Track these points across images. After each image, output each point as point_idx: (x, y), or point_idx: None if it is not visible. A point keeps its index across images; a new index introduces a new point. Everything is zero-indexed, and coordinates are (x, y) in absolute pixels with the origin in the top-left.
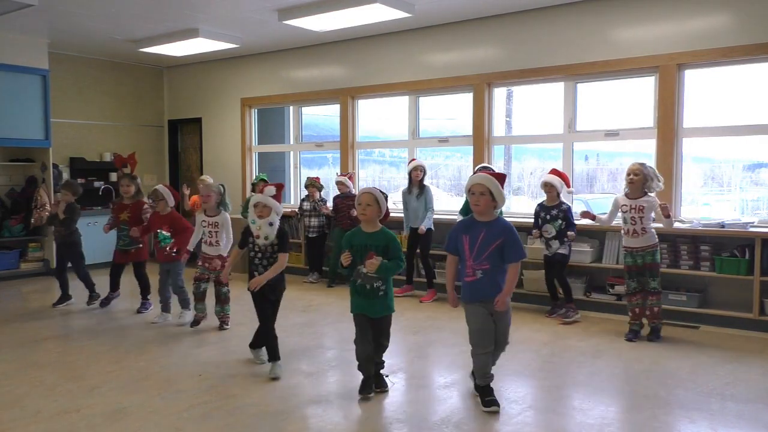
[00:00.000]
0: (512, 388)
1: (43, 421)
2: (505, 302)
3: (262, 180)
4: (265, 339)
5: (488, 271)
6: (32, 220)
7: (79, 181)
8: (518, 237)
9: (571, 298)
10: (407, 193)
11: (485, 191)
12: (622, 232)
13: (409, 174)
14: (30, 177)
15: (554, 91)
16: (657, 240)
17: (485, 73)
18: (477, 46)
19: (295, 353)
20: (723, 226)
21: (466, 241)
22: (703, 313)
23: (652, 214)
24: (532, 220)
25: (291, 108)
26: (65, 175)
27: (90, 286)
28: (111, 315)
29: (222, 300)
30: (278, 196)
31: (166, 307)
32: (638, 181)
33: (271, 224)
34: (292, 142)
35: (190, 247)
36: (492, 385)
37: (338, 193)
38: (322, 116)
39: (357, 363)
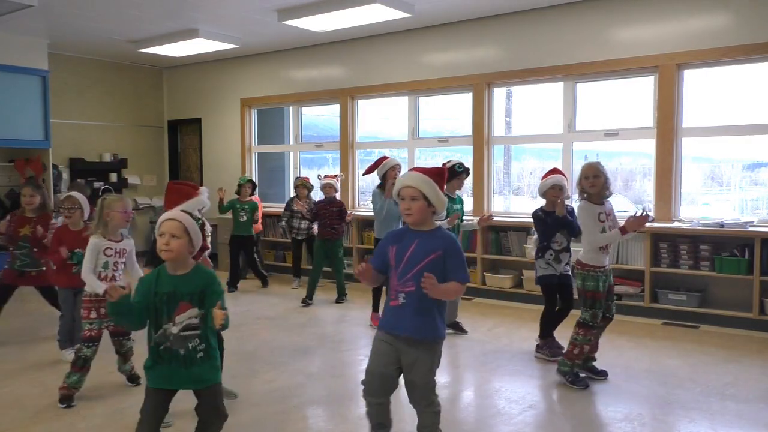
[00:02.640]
0: (512, 388)
1: (43, 421)
2: (435, 285)
3: (250, 181)
4: None
5: (413, 295)
6: None
7: (79, 182)
8: (462, 253)
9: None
10: (382, 197)
11: (417, 195)
12: (599, 249)
13: (385, 174)
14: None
15: (554, 91)
16: None
17: (485, 73)
18: (477, 46)
19: (296, 353)
20: (723, 226)
21: (392, 254)
22: (703, 312)
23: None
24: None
25: (291, 108)
26: (65, 176)
27: None
28: None
29: (128, 355)
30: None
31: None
32: (600, 183)
33: None
34: (291, 143)
35: (93, 287)
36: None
37: (324, 197)
38: (322, 116)
39: None
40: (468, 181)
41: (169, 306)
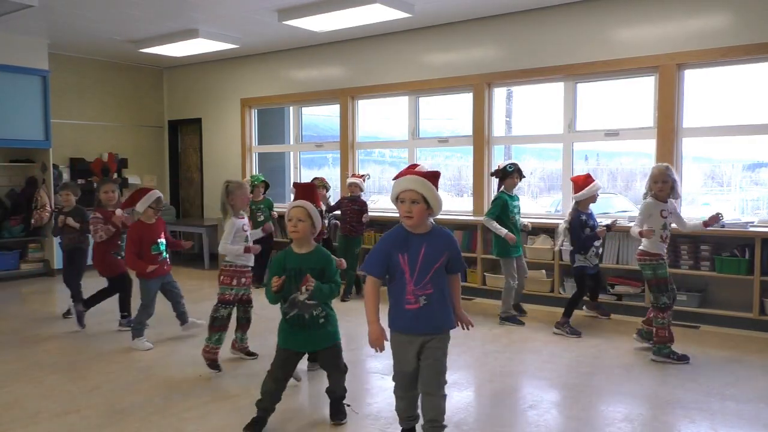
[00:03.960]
0: (512, 388)
1: (43, 421)
2: (463, 316)
3: (263, 182)
4: None
5: (433, 295)
6: (32, 221)
7: (79, 182)
8: (459, 245)
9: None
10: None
11: (418, 198)
12: (660, 239)
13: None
14: (30, 178)
15: (554, 91)
16: None
17: (485, 73)
18: (477, 46)
19: None
20: (723, 226)
21: (404, 262)
22: (703, 312)
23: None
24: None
25: (291, 108)
26: (65, 176)
27: (77, 295)
28: (110, 316)
29: (246, 326)
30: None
31: (185, 317)
32: (668, 187)
33: None
34: (292, 143)
35: (236, 254)
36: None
37: (349, 194)
38: (322, 116)
39: (259, 397)
40: (468, 181)
41: (297, 279)
